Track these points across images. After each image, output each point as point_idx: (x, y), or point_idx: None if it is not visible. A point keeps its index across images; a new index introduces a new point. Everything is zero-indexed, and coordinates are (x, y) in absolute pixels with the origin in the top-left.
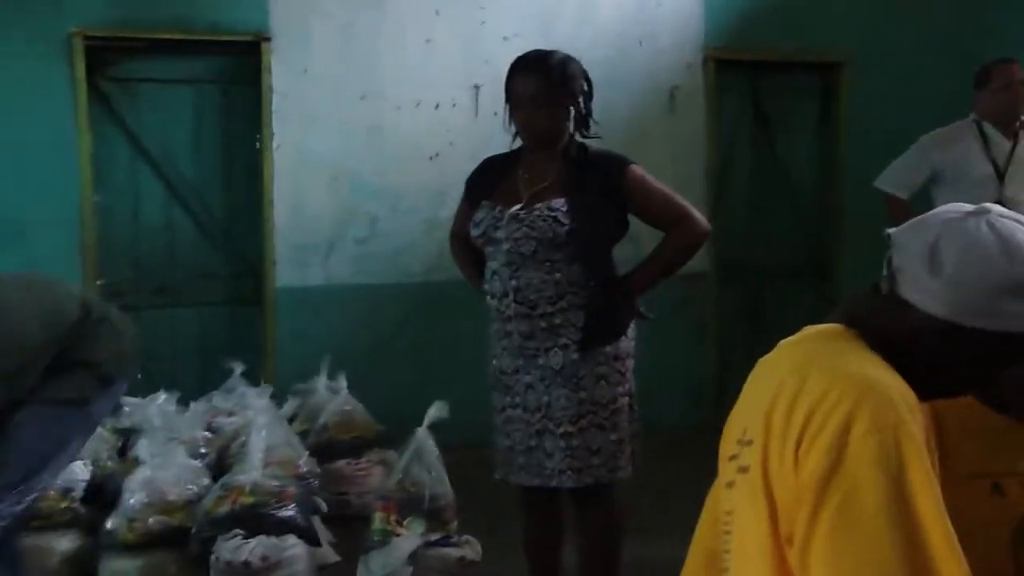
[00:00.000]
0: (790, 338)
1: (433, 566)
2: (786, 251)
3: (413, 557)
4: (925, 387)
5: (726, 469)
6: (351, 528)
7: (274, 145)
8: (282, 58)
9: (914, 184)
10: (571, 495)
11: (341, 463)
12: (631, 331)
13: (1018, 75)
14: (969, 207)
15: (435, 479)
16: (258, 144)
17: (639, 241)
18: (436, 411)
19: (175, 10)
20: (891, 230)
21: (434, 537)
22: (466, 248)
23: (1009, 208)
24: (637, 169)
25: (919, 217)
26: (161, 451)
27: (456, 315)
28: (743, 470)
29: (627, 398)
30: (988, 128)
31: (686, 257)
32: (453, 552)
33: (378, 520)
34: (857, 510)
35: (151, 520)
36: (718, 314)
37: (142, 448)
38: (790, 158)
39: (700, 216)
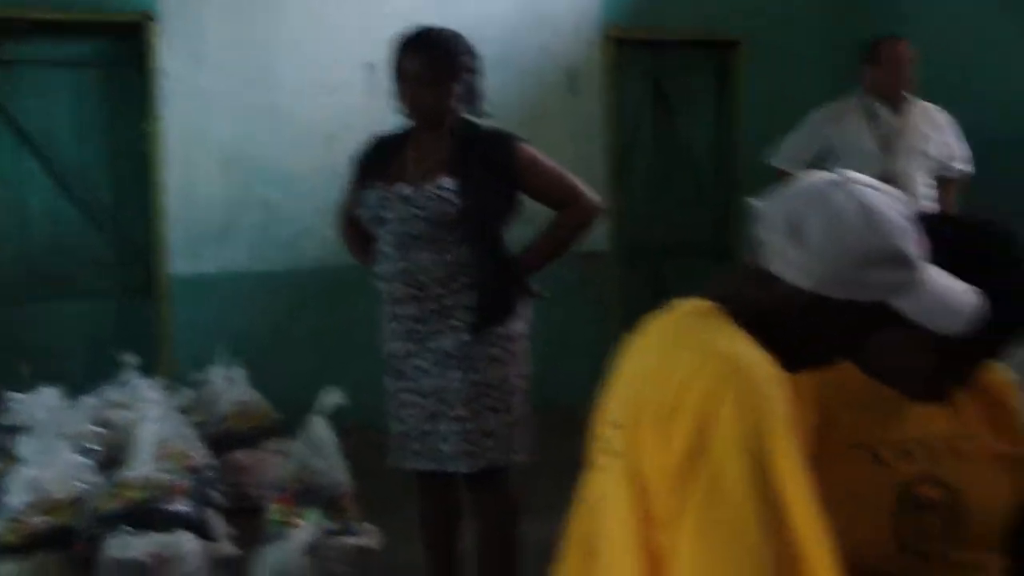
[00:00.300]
0: (657, 315)
1: (331, 556)
2: (687, 229)
3: (311, 548)
4: (794, 359)
5: (596, 452)
6: (251, 520)
7: (164, 128)
8: (171, 39)
9: (806, 159)
10: (466, 479)
11: (239, 454)
12: (525, 312)
13: (905, 53)
14: (831, 176)
15: (331, 467)
16: (146, 128)
17: (536, 222)
18: (329, 398)
19: None
20: (753, 201)
21: (332, 527)
22: (355, 228)
23: (898, 182)
24: (527, 147)
25: (781, 188)
26: (45, 448)
27: (354, 299)
28: (611, 454)
29: (521, 379)
30: (875, 104)
31: (577, 236)
32: (351, 541)
33: (274, 512)
34: (723, 492)
35: (35, 520)
36: (620, 292)
37: (24, 446)
38: (690, 136)
39: (592, 194)
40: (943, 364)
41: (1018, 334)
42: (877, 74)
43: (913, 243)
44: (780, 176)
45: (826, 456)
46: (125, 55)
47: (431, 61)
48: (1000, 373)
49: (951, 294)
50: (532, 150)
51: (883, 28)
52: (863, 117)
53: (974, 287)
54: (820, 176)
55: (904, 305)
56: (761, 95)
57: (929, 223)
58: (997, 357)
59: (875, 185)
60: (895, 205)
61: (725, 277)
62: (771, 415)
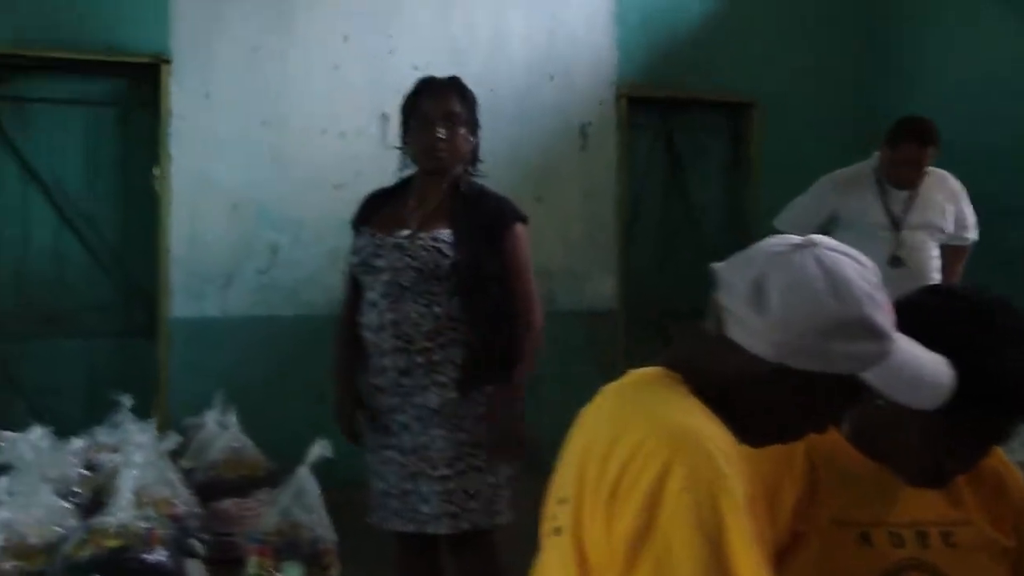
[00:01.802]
0: (612, 384)
1: None
2: (695, 290)
3: None
4: (756, 433)
5: (545, 530)
6: (236, 572)
7: (172, 171)
8: (183, 81)
9: (811, 227)
10: (448, 541)
11: (228, 503)
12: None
13: (925, 159)
14: (796, 239)
15: (315, 521)
16: (155, 169)
17: (550, 275)
18: (318, 449)
19: (70, 29)
20: (715, 265)
21: None
22: (354, 343)
23: (908, 257)
24: (519, 229)
25: (744, 251)
26: (25, 490)
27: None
28: (557, 531)
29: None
30: (885, 180)
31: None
32: None
33: (253, 565)
34: (672, 572)
35: (7, 565)
36: (626, 353)
37: (3, 486)
38: (701, 197)
39: (539, 315)
40: (933, 445)
41: (1018, 416)
42: (891, 162)
43: (881, 312)
44: None
45: (809, 531)
46: (137, 96)
47: (466, 104)
48: (1001, 457)
49: (922, 367)
50: (522, 235)
51: (898, 95)
52: (873, 187)
53: (948, 360)
54: (785, 239)
55: (872, 378)
56: (775, 157)
57: (920, 294)
58: (999, 440)
59: (843, 250)
60: (863, 271)
61: (684, 343)
62: (725, 492)
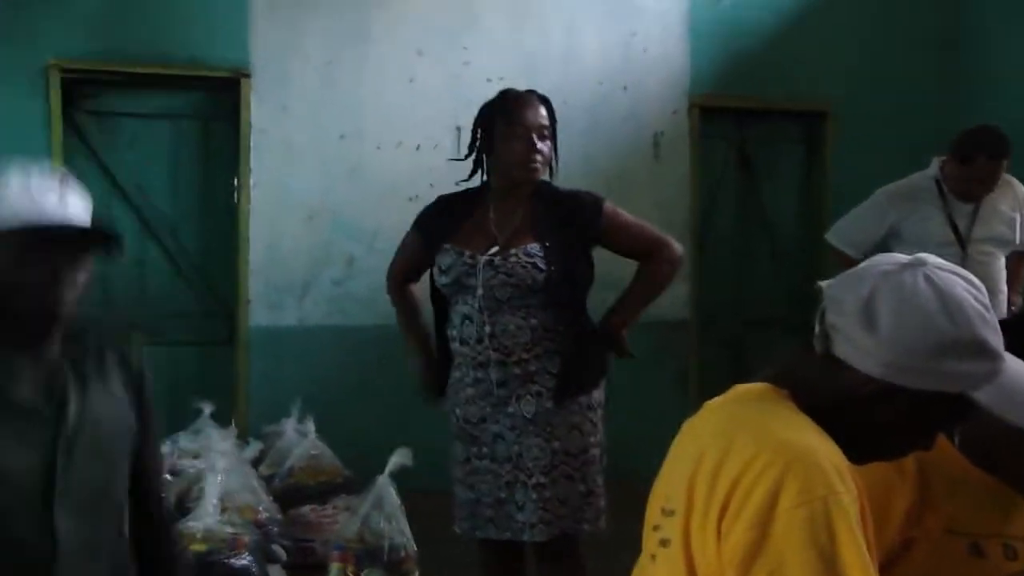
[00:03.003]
0: (716, 399)
1: None
2: (769, 301)
3: None
4: (863, 450)
5: (649, 540)
6: None
7: (252, 182)
8: (262, 95)
9: (868, 243)
10: (536, 548)
11: (306, 509)
12: (604, 381)
13: (999, 174)
14: (904, 257)
15: (395, 529)
16: (235, 181)
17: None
18: (399, 458)
19: (154, 44)
20: (823, 283)
21: None
22: (408, 291)
23: (972, 272)
24: (609, 205)
25: (853, 269)
26: None
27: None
28: (664, 543)
29: (598, 449)
30: (948, 192)
31: (666, 282)
32: None
33: (335, 571)
34: None
35: None
36: (699, 363)
37: None
38: (774, 206)
39: (674, 241)
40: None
41: None
42: (960, 176)
43: (993, 332)
44: (835, 256)
45: (920, 537)
46: (218, 109)
47: (550, 115)
48: None
49: None
50: (614, 206)
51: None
52: (936, 201)
53: None
54: (894, 258)
55: (982, 397)
56: (849, 166)
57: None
58: None
59: (952, 269)
60: (974, 291)
61: (791, 360)
62: (837, 507)
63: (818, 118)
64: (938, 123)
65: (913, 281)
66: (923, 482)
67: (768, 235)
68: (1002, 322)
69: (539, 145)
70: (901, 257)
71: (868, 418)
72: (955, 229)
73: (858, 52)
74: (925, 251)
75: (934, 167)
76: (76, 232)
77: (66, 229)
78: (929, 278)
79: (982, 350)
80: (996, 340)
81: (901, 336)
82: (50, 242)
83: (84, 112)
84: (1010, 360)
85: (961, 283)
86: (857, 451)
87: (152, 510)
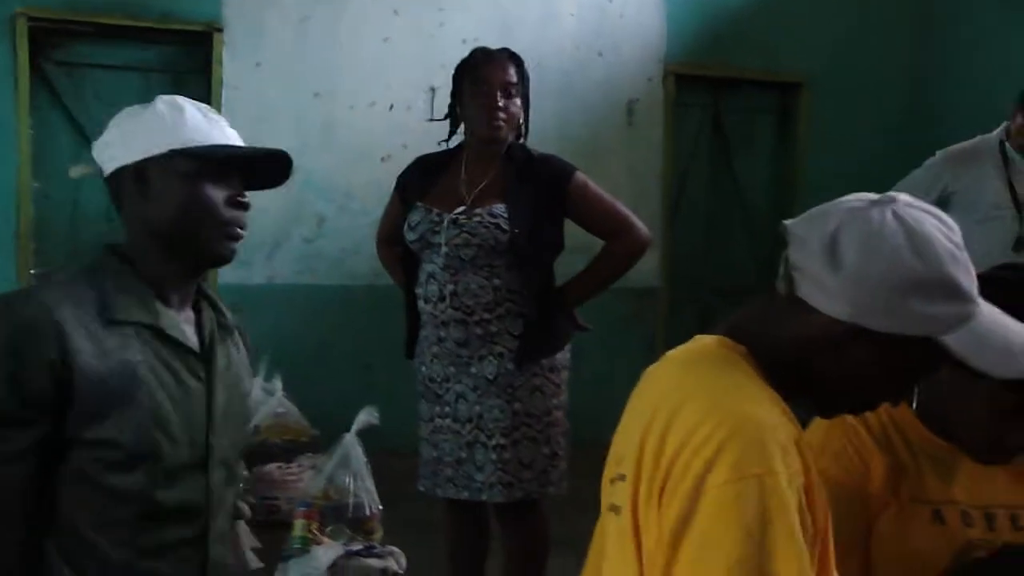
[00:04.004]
0: (678, 349)
1: None
2: (740, 270)
3: (333, 567)
4: (829, 401)
5: (604, 499)
6: (278, 534)
7: None
8: (234, 50)
9: None
10: (498, 508)
11: (272, 467)
12: (567, 344)
13: None
14: (874, 195)
15: (361, 487)
16: None
17: (590, 252)
18: (365, 416)
19: None
20: (788, 221)
21: (356, 547)
22: (395, 251)
23: None
24: (580, 176)
25: (819, 207)
26: None
27: (400, 320)
28: (614, 509)
29: (561, 411)
30: (1012, 151)
31: (625, 267)
32: (376, 563)
33: (298, 527)
34: (708, 568)
35: None
36: (668, 331)
37: None
38: (747, 176)
39: (642, 226)
40: (999, 419)
41: None
42: None
43: (965, 273)
44: None
45: (893, 504)
46: (190, 64)
47: (520, 75)
48: None
49: (1006, 333)
50: (585, 179)
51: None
52: (996, 160)
53: None
54: (863, 196)
55: (952, 342)
56: (823, 136)
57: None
58: None
59: (923, 207)
60: (946, 230)
61: (754, 308)
62: (772, 487)
63: (793, 89)
64: (912, 97)
65: (881, 217)
66: (891, 446)
67: (740, 204)
68: (1002, 277)
69: (503, 103)
70: (871, 195)
71: (834, 365)
72: (1012, 191)
73: (833, 24)
74: (976, 213)
75: (1000, 129)
76: (267, 155)
77: (257, 151)
78: (897, 214)
79: (952, 291)
80: (968, 282)
81: (866, 273)
82: (238, 165)
83: (52, 63)
84: (985, 306)
85: (932, 220)
86: (824, 403)
87: None
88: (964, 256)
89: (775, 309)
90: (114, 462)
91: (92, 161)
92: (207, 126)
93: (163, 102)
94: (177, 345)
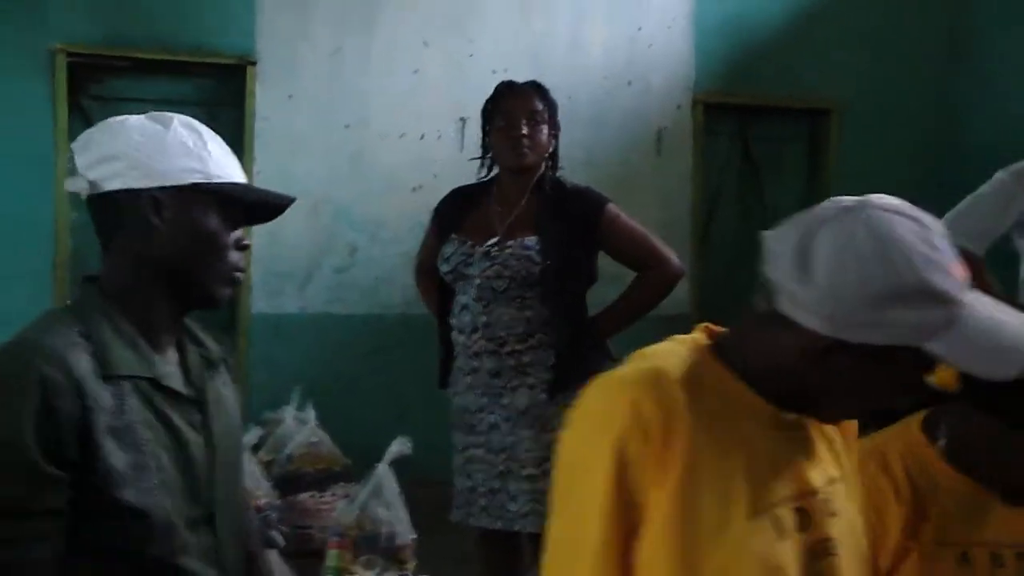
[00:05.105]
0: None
1: None
2: None
3: None
4: (824, 413)
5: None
6: (311, 563)
7: (255, 170)
8: (267, 83)
9: (993, 233)
10: (531, 538)
11: (305, 496)
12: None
13: None
14: (849, 200)
15: (394, 517)
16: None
17: (623, 282)
18: (398, 447)
19: (160, 30)
20: (765, 232)
21: None
22: (433, 282)
23: None
24: (612, 208)
25: (795, 217)
26: None
27: (433, 350)
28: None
29: None
30: None
31: (657, 299)
32: None
33: (332, 557)
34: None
35: None
36: None
37: None
38: (777, 204)
39: (674, 258)
40: (1011, 438)
41: None
42: None
43: (943, 274)
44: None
45: (915, 548)
46: (224, 97)
47: (547, 104)
48: None
49: (1002, 329)
50: (617, 210)
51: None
52: None
53: None
54: (837, 202)
55: (937, 349)
56: (852, 164)
57: None
58: None
59: (898, 208)
60: (921, 231)
61: (740, 326)
62: (606, 429)
63: (822, 116)
64: (941, 123)
65: (851, 226)
66: (914, 492)
67: (769, 231)
68: None
69: (527, 130)
70: (845, 200)
71: (822, 378)
72: None
73: (863, 50)
74: None
75: None
76: (274, 199)
77: (270, 195)
78: (867, 221)
79: (929, 296)
80: (948, 283)
81: (838, 286)
82: (248, 204)
83: (89, 97)
84: (976, 303)
85: (904, 222)
86: (821, 414)
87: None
88: (941, 256)
89: (758, 324)
90: (122, 529)
91: (74, 171)
92: (225, 159)
93: (180, 124)
94: (173, 394)
